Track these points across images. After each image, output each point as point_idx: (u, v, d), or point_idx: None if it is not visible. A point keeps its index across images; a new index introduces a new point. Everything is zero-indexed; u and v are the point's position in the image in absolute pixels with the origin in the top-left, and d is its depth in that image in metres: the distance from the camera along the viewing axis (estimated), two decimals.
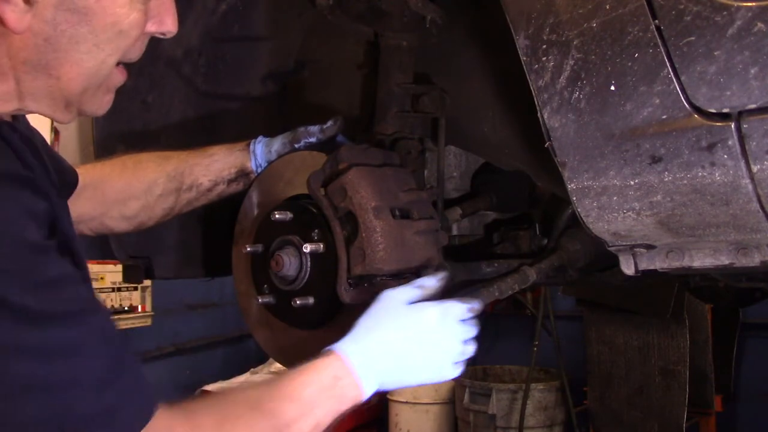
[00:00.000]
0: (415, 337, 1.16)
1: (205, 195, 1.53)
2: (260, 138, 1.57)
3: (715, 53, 0.94)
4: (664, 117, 1.00)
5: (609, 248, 1.24)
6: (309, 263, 1.38)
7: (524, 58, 1.11)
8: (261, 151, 1.54)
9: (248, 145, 1.57)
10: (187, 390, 5.06)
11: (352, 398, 1.12)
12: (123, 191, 1.47)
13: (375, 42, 1.65)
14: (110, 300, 4.19)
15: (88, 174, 1.44)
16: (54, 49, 0.94)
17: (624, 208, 1.11)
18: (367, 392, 1.13)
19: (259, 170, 1.53)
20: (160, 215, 1.52)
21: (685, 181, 1.03)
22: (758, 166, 0.96)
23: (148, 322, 4.53)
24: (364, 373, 1.12)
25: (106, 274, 4.16)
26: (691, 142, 0.99)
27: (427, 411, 5.20)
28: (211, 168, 1.51)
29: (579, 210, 1.16)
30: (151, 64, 1.71)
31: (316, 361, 1.13)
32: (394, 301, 1.18)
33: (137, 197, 1.48)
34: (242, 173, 1.55)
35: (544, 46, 1.08)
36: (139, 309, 4.42)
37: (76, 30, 0.94)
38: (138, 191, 1.48)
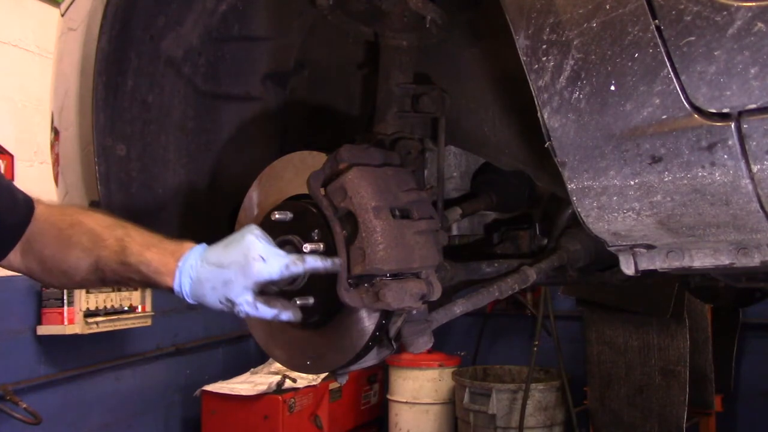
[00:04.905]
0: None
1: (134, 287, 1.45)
2: (194, 250, 1.30)
3: (715, 53, 0.94)
4: (664, 117, 1.00)
5: (609, 248, 1.24)
6: None
7: (524, 58, 1.11)
8: (188, 276, 1.29)
9: (180, 260, 1.30)
10: (187, 390, 5.07)
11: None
12: (48, 259, 1.39)
13: (375, 42, 1.65)
14: (110, 300, 4.19)
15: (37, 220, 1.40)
16: None
17: (624, 208, 1.11)
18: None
19: (186, 296, 1.31)
20: (90, 287, 1.50)
21: (685, 181, 1.03)
22: (758, 166, 0.96)
23: (148, 322, 4.53)
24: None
25: None
26: (691, 142, 0.99)
27: (427, 411, 5.20)
28: (140, 278, 1.33)
29: (579, 210, 1.16)
30: (151, 64, 1.71)
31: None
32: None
33: (57, 275, 1.40)
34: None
35: (544, 46, 1.08)
36: (139, 309, 4.42)
37: None
38: (57, 269, 1.38)
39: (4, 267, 1.44)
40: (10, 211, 1.36)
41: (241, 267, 1.24)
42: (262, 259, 1.24)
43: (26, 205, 1.39)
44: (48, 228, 1.38)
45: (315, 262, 1.28)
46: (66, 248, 1.36)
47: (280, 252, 1.27)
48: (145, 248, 1.31)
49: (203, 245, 1.31)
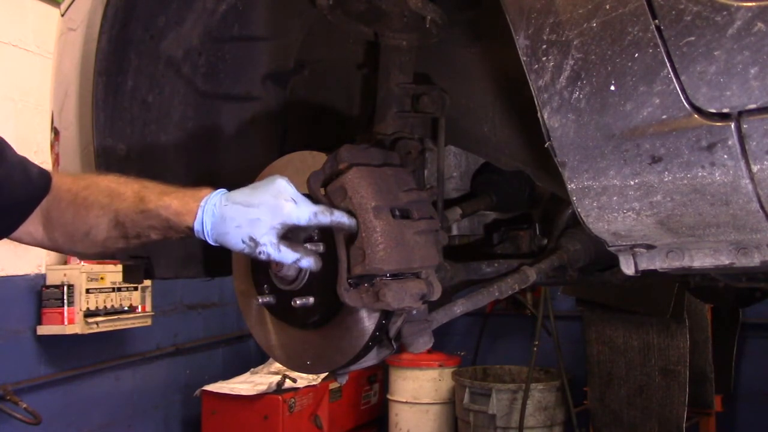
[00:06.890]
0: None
1: (158, 240, 1.40)
2: (217, 191, 1.32)
3: (715, 53, 0.94)
4: (664, 117, 1.00)
5: (609, 248, 1.24)
6: None
7: (524, 58, 1.11)
8: (211, 214, 1.29)
9: (202, 200, 1.31)
10: (187, 390, 5.07)
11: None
12: (69, 225, 1.39)
13: (375, 42, 1.65)
14: (110, 300, 4.19)
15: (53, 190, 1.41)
16: None
17: (624, 208, 1.11)
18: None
19: (207, 235, 1.30)
20: (115, 251, 1.47)
21: (685, 181, 1.03)
22: (758, 166, 0.96)
23: (148, 322, 4.53)
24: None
25: (106, 274, 4.15)
26: (691, 142, 0.99)
27: (427, 411, 5.20)
28: (160, 225, 1.32)
29: (579, 210, 1.16)
30: (151, 64, 1.71)
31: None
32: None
33: (80, 240, 1.40)
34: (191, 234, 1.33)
35: (544, 46, 1.08)
36: (139, 309, 4.42)
37: None
38: (80, 233, 1.38)
39: (29, 243, 1.45)
40: (23, 186, 1.37)
41: (270, 207, 1.25)
42: (294, 201, 1.25)
43: (41, 177, 1.40)
44: (64, 194, 1.39)
45: (342, 218, 1.28)
46: (84, 209, 1.37)
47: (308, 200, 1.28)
48: (164, 194, 1.32)
49: (224, 189, 1.32)
